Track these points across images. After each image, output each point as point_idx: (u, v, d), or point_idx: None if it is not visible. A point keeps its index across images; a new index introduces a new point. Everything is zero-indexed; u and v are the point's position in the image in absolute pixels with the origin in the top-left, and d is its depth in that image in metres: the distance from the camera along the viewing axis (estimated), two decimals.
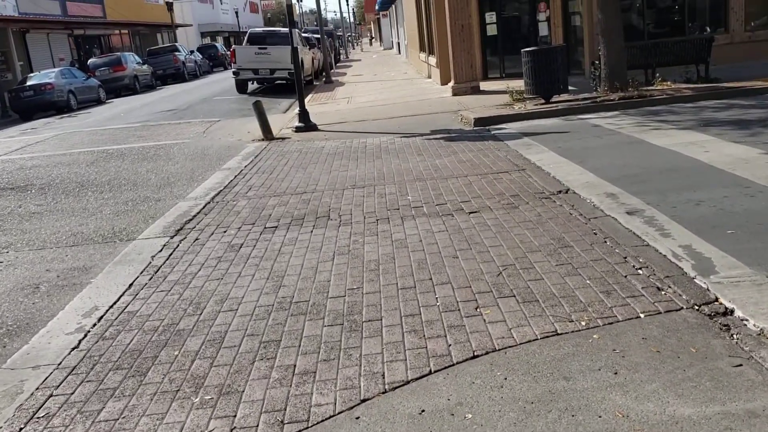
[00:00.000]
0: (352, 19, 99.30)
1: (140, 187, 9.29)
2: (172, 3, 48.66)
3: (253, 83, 24.49)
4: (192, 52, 42.97)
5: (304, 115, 13.27)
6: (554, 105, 12.26)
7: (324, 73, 26.76)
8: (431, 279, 4.68)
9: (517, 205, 6.31)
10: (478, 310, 4.11)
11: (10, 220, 8.02)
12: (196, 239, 6.33)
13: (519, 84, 13.41)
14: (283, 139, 12.45)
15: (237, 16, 70.58)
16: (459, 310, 4.13)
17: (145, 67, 33.67)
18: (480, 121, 11.65)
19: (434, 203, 6.69)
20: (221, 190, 8.38)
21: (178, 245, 6.19)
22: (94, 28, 41.46)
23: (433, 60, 20.03)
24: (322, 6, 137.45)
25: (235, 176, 9.21)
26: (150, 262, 5.75)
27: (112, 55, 33.08)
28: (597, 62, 13.09)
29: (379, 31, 72.20)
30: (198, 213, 7.33)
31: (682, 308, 3.88)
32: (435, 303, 4.27)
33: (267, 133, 12.62)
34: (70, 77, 26.22)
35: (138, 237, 6.66)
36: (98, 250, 6.41)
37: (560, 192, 6.66)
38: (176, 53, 37.74)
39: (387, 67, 32.72)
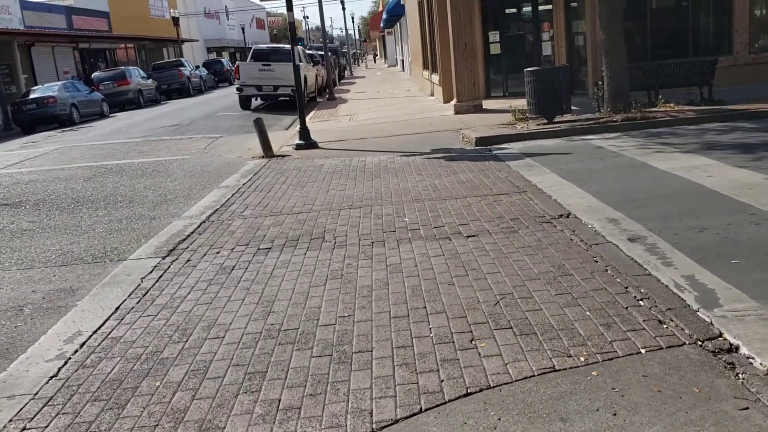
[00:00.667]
0: (357, 36, 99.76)
1: (136, 205, 9.17)
2: (178, 18, 49.01)
3: (256, 99, 24.49)
4: (197, 67, 43.06)
5: (304, 132, 13.19)
6: (557, 125, 12.14)
7: (327, 90, 26.75)
8: (425, 307, 4.53)
9: (517, 230, 6.17)
10: (473, 342, 3.95)
11: (1, 237, 7.89)
12: (188, 260, 6.19)
13: (522, 103, 13.30)
14: (283, 156, 12.35)
15: (243, 32, 70.93)
16: (453, 342, 3.98)
17: (149, 81, 33.73)
18: (481, 141, 11.53)
19: (431, 226, 6.55)
20: (217, 209, 8.25)
21: (170, 266, 6.05)
22: (99, 42, 41.65)
23: (436, 78, 19.98)
24: (328, 23, 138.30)
25: (233, 194, 9.09)
26: (139, 284, 5.61)
27: (116, 69, 33.21)
28: (600, 83, 13.00)
29: (383, 49, 72.48)
30: (192, 233, 7.20)
31: (684, 344, 3.72)
32: (428, 334, 4.12)
33: (267, 150, 12.54)
34: (73, 91, 26.25)
35: (129, 257, 6.52)
36: (87, 270, 6.27)
37: (561, 216, 6.51)
38: (181, 68, 37.80)
39: (390, 84, 32.73)
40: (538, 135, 11.69)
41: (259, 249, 6.32)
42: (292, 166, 11.03)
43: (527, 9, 18.43)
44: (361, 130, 15.13)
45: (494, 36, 17.65)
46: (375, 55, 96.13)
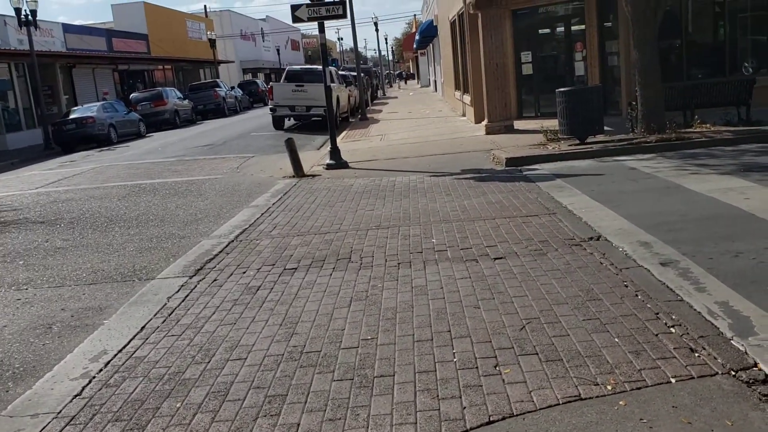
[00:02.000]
0: (390, 57, 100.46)
1: (167, 224, 9.28)
2: (214, 40, 49.92)
3: (289, 119, 24.73)
4: (233, 87, 43.75)
5: (335, 152, 13.25)
6: (589, 146, 11.99)
7: (360, 110, 26.92)
8: (449, 331, 4.46)
9: (546, 252, 6.06)
10: (497, 368, 3.87)
11: (35, 255, 8.04)
12: (215, 280, 6.21)
13: (554, 123, 13.17)
14: (314, 176, 12.41)
15: (278, 54, 71.98)
16: (477, 367, 3.90)
17: (185, 102, 34.33)
18: (512, 161, 11.44)
19: (459, 247, 6.48)
20: (246, 228, 8.29)
21: (196, 286, 6.07)
22: (138, 64, 42.62)
23: (467, 98, 19.96)
24: (362, 44, 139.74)
25: (262, 214, 9.13)
26: (165, 304, 5.64)
27: (153, 90, 33.89)
28: (634, 103, 12.81)
29: (417, 69, 72.87)
30: (220, 252, 7.23)
31: (717, 373, 3.58)
32: (452, 359, 4.04)
33: (298, 170, 12.62)
34: (112, 111, 26.83)
35: (157, 276, 6.58)
36: (116, 289, 6.33)
37: (591, 239, 6.39)
38: (217, 89, 38.45)
39: (422, 104, 32.80)
40: (569, 156, 11.55)
41: (285, 269, 6.32)
42: (321, 186, 11.07)
43: (560, 29, 18.35)
44: (392, 150, 15.15)
45: (526, 56, 17.57)
46: (405, 77, 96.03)
